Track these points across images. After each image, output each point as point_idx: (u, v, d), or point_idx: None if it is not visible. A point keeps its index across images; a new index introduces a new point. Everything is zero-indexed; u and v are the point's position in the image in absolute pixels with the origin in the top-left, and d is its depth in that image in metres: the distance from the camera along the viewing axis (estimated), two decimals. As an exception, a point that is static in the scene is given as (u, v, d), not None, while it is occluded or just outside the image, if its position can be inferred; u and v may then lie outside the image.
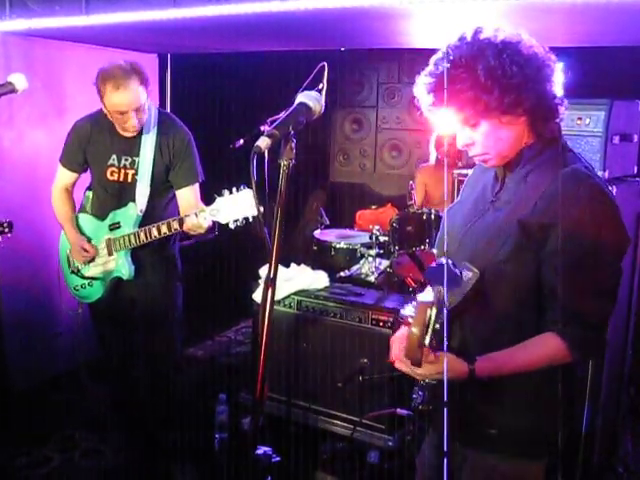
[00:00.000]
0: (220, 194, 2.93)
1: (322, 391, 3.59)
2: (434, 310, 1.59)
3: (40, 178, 3.95)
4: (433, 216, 3.90)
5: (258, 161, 1.66)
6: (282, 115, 1.79)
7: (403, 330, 2.03)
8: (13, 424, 3.74)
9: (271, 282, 1.74)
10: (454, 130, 1.81)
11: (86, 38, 4.24)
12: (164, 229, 3.14)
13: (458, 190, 3.32)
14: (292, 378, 3.62)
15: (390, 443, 3.41)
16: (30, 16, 3.50)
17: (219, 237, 3.20)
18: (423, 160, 5.85)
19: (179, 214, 3.36)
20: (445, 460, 1.78)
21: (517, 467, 1.87)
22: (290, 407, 3.65)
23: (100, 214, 3.41)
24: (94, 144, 3.36)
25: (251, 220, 2.88)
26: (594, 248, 1.68)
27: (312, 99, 1.84)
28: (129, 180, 3.33)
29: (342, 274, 4.10)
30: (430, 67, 1.76)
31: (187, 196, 3.35)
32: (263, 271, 3.73)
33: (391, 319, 3.39)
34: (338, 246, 4.39)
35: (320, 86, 2.01)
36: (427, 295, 1.63)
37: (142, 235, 3.20)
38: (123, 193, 3.34)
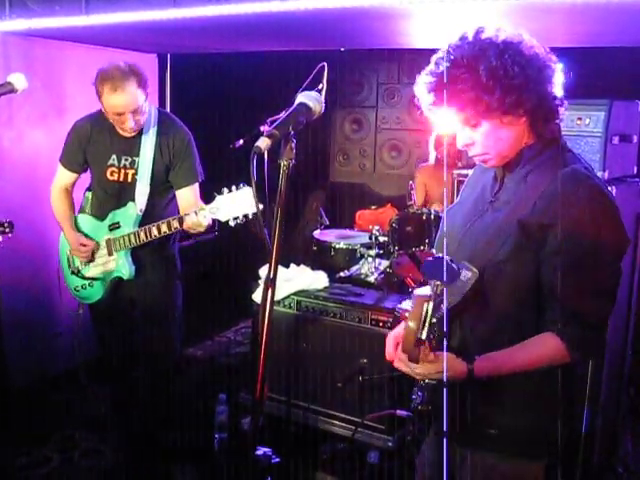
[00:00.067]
0: (220, 192, 2.93)
1: (322, 391, 3.59)
2: (431, 304, 1.59)
3: (40, 178, 3.94)
4: (433, 216, 3.90)
5: (258, 161, 1.66)
6: (282, 115, 1.79)
7: (400, 328, 2.04)
8: (13, 424, 3.74)
9: (271, 282, 1.74)
10: (454, 130, 1.81)
11: (86, 38, 4.24)
12: (164, 228, 3.14)
13: (458, 190, 3.32)
14: (292, 378, 3.62)
15: (390, 443, 3.41)
16: (30, 16, 3.50)
17: (219, 237, 3.20)
18: (423, 160, 5.85)
19: (179, 214, 3.36)
20: (445, 460, 1.78)
21: (517, 467, 1.87)
22: (290, 407, 3.65)
23: (100, 214, 3.41)
24: (94, 144, 3.36)
25: (251, 218, 2.88)
26: (593, 248, 1.68)
27: (312, 99, 1.84)
28: (129, 180, 3.33)
29: (342, 274, 4.09)
30: (431, 66, 1.76)
31: (187, 196, 3.35)
32: (263, 271, 3.73)
33: (391, 319, 3.39)
34: (338, 246, 4.38)
35: (320, 86, 2.01)
36: (424, 289, 1.64)
37: (142, 234, 3.20)
38: (123, 193, 3.34)
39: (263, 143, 1.68)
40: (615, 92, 3.20)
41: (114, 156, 3.33)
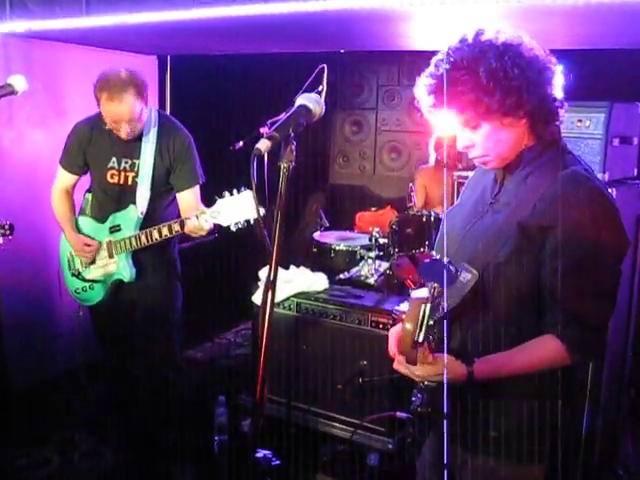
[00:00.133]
0: (221, 196, 2.92)
1: (322, 393, 3.59)
2: (428, 306, 1.59)
3: (40, 179, 3.95)
4: (433, 218, 3.90)
5: (258, 163, 1.66)
6: (282, 117, 1.79)
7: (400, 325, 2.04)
8: (13, 425, 3.74)
9: (271, 284, 1.74)
10: (454, 132, 1.81)
11: (86, 40, 4.24)
12: (165, 231, 3.14)
13: (458, 192, 3.32)
14: (292, 380, 3.62)
15: (390, 446, 3.40)
16: (30, 17, 3.51)
17: (219, 239, 3.20)
18: (423, 162, 5.85)
19: (180, 216, 3.36)
20: (445, 463, 1.78)
21: (517, 469, 1.87)
22: (290, 409, 3.64)
23: (100, 217, 3.41)
24: (94, 146, 3.36)
25: (252, 222, 2.87)
26: (593, 250, 1.67)
27: (312, 101, 1.84)
28: (129, 183, 3.33)
29: (342, 276, 4.09)
30: (431, 68, 1.76)
31: (188, 198, 3.35)
32: (263, 273, 3.73)
33: (391, 321, 3.39)
34: (338, 248, 4.38)
35: (320, 88, 2.01)
36: (421, 291, 1.64)
37: (143, 238, 3.20)
38: (123, 196, 3.34)
39: (263, 145, 1.67)
40: (615, 94, 3.20)
41: (114, 159, 3.33)
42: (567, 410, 1.84)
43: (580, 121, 2.96)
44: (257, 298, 3.75)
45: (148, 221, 3.29)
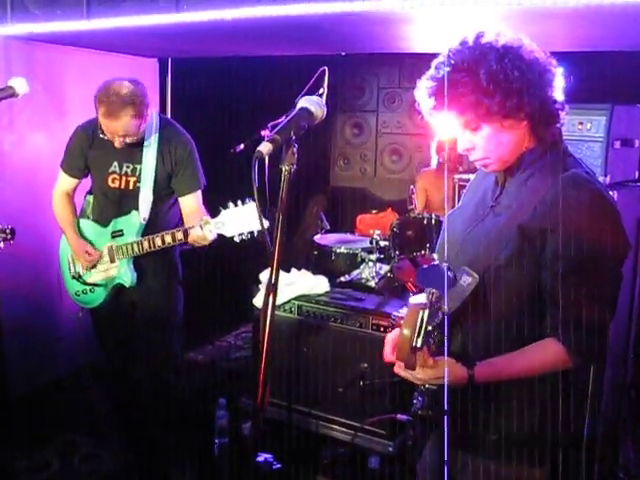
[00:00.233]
0: (225, 206, 2.92)
1: (323, 396, 3.59)
2: (426, 312, 1.58)
3: (41, 182, 3.95)
4: (434, 221, 3.89)
5: (259, 166, 1.66)
6: (283, 120, 1.79)
7: (397, 330, 2.03)
8: (13, 428, 3.74)
9: (272, 287, 1.73)
10: (455, 134, 1.81)
11: (87, 42, 4.24)
12: (168, 239, 3.14)
13: (459, 195, 3.31)
14: (292, 383, 3.61)
15: (391, 448, 3.40)
16: (31, 20, 3.51)
17: (220, 242, 3.20)
18: (424, 165, 5.85)
19: (181, 219, 3.36)
20: (446, 466, 1.77)
21: (518, 473, 1.86)
22: (291, 412, 3.64)
23: (102, 220, 3.40)
24: (95, 150, 3.36)
25: (256, 234, 2.88)
26: (594, 253, 1.67)
27: (314, 104, 1.84)
28: (130, 187, 3.33)
29: (342, 279, 4.08)
30: (431, 71, 1.76)
31: (190, 203, 3.34)
32: (263, 276, 3.72)
33: (391, 325, 3.38)
34: (338, 251, 4.37)
35: (321, 91, 2.02)
36: (420, 297, 1.63)
37: (145, 244, 3.21)
38: (124, 200, 3.34)
39: (265, 148, 1.67)
40: (616, 96, 3.20)
41: (115, 163, 3.33)
42: (568, 413, 1.83)
43: (581, 123, 2.95)
44: (258, 301, 3.75)
45: (150, 226, 3.29)
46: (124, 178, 3.33)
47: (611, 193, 1.98)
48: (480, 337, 1.82)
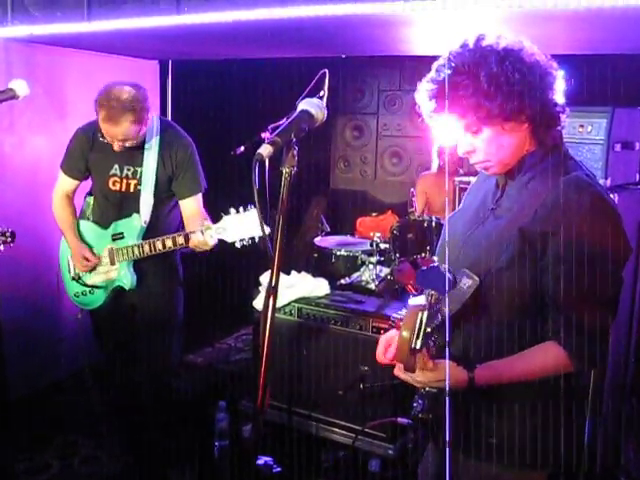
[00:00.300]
0: (226, 212, 2.93)
1: (323, 399, 3.59)
2: (425, 314, 1.58)
3: (41, 184, 3.94)
4: (434, 223, 3.90)
5: (260, 168, 1.66)
6: (284, 122, 1.79)
7: (392, 331, 2.03)
8: (13, 430, 3.73)
9: (273, 290, 1.73)
10: (455, 138, 1.81)
11: (88, 44, 4.24)
12: (169, 243, 3.14)
13: (459, 198, 3.31)
14: (293, 386, 3.61)
15: (391, 452, 3.40)
16: (32, 22, 3.51)
17: (220, 244, 3.20)
18: (425, 167, 5.86)
19: (182, 222, 3.36)
20: (447, 469, 1.77)
21: (519, 476, 1.86)
22: (291, 415, 3.64)
23: (102, 222, 3.40)
24: (96, 152, 3.35)
25: (257, 240, 2.88)
26: (595, 257, 1.66)
27: (314, 106, 1.83)
28: (131, 190, 3.32)
29: (343, 281, 4.08)
30: (432, 73, 1.76)
31: (191, 206, 3.34)
32: (264, 278, 3.72)
33: (391, 326, 3.38)
34: (339, 253, 4.38)
35: (321, 93, 2.02)
36: (419, 299, 1.63)
37: (146, 247, 3.20)
38: (125, 203, 3.33)
39: (265, 150, 1.67)
40: (617, 99, 3.20)
41: (116, 166, 3.32)
42: (569, 416, 1.83)
43: (582, 126, 2.95)
44: (258, 303, 3.74)
45: (151, 229, 3.29)
46: (125, 181, 3.33)
47: (612, 196, 1.98)
48: (481, 340, 1.81)
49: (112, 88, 3.06)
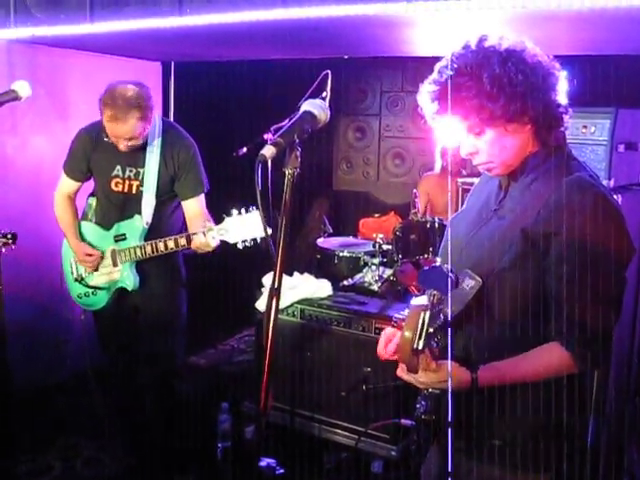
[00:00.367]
0: (228, 213, 2.93)
1: (326, 400, 3.58)
2: (427, 314, 1.58)
3: (44, 185, 3.94)
4: (437, 224, 3.89)
5: (262, 170, 1.66)
6: (287, 123, 1.79)
7: (392, 329, 2.03)
8: (16, 431, 3.73)
9: (275, 291, 1.73)
10: (458, 139, 1.80)
11: (90, 46, 4.24)
12: (171, 244, 3.14)
13: (463, 199, 3.31)
14: (295, 387, 3.61)
15: (394, 453, 3.39)
16: (34, 24, 3.51)
17: (223, 245, 3.20)
18: (427, 168, 5.85)
19: (185, 223, 3.36)
20: (449, 471, 1.77)
21: (523, 479, 1.85)
22: (293, 416, 3.63)
23: (104, 224, 3.40)
24: (98, 153, 3.36)
25: (259, 242, 2.88)
26: (598, 257, 1.66)
27: (317, 107, 1.83)
28: (133, 191, 3.33)
29: (345, 283, 4.08)
30: (434, 75, 1.76)
31: (193, 207, 3.34)
32: (266, 279, 3.72)
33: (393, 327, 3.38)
34: (341, 254, 4.37)
35: (324, 94, 2.01)
36: (421, 299, 1.63)
37: (148, 248, 3.21)
38: (127, 204, 3.33)
39: (268, 151, 1.67)
40: (621, 100, 3.19)
41: (118, 167, 3.33)
42: (572, 418, 1.83)
43: (585, 127, 2.95)
44: (261, 304, 3.74)
45: (153, 230, 3.29)
46: (127, 182, 3.33)
47: (615, 197, 1.97)
48: (484, 341, 1.81)
49: (116, 87, 3.07)
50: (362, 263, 4.23)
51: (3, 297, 3.32)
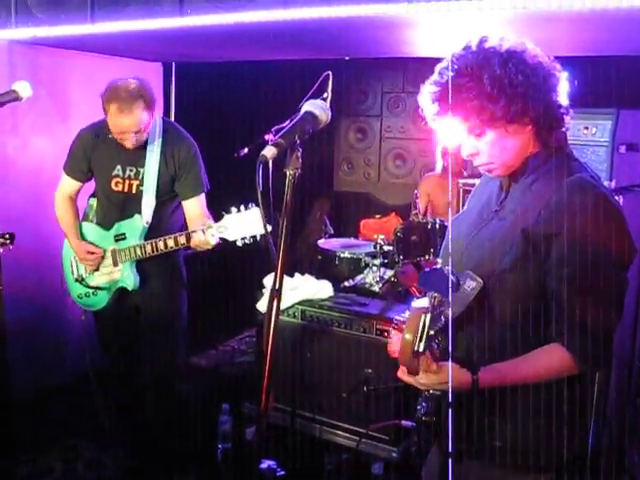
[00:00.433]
0: (228, 211, 2.92)
1: (326, 402, 3.58)
2: (428, 316, 1.57)
3: (44, 185, 3.95)
4: (438, 225, 3.88)
5: (263, 170, 1.65)
6: (288, 124, 1.79)
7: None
8: (17, 432, 3.73)
9: (277, 293, 1.72)
10: (458, 140, 1.80)
11: (91, 46, 4.25)
12: (171, 243, 3.14)
13: (464, 200, 3.30)
14: (296, 388, 3.60)
15: (395, 454, 3.39)
16: (35, 24, 3.51)
17: (224, 246, 3.20)
18: (428, 169, 5.85)
19: (185, 223, 3.35)
20: (450, 473, 1.76)
21: (523, 479, 1.85)
22: (294, 418, 3.63)
23: (104, 224, 3.40)
24: (99, 154, 3.36)
25: (258, 238, 2.88)
26: (599, 258, 1.66)
27: (318, 108, 1.83)
28: (134, 191, 3.33)
29: (346, 284, 4.07)
30: (435, 76, 1.76)
31: (193, 206, 3.34)
32: (267, 280, 3.72)
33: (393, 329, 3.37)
34: (342, 255, 4.37)
35: (325, 95, 2.01)
36: (422, 301, 1.62)
37: (148, 247, 3.20)
38: (128, 204, 3.33)
39: (269, 152, 1.67)
40: (622, 101, 3.19)
41: (119, 167, 3.33)
42: (573, 419, 1.82)
43: (586, 128, 2.95)
44: (261, 305, 3.74)
45: (153, 229, 3.29)
46: (127, 182, 3.33)
47: (616, 198, 1.97)
48: (485, 342, 1.81)
49: (117, 82, 3.10)
50: (363, 264, 4.22)
51: (3, 298, 3.32)
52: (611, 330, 1.73)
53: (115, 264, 3.34)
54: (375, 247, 4.11)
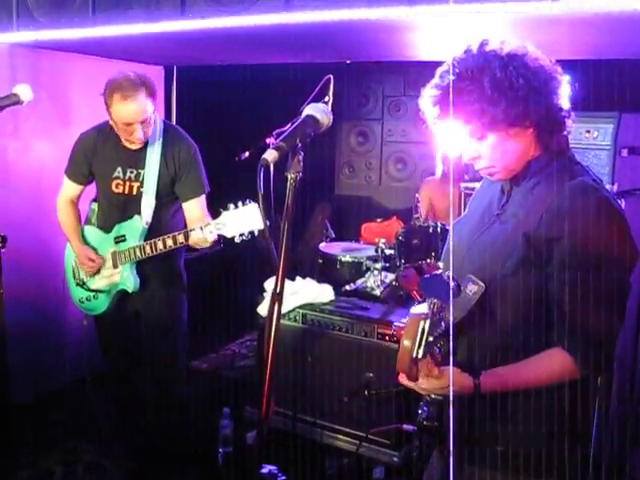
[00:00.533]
0: (226, 208, 2.92)
1: (327, 406, 3.57)
2: (427, 322, 1.56)
3: (45, 189, 3.95)
4: (439, 229, 3.88)
5: (265, 174, 1.65)
6: (289, 127, 1.78)
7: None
8: (16, 436, 3.72)
9: (277, 296, 1.72)
10: (460, 144, 1.80)
11: (92, 50, 4.25)
12: (170, 242, 3.13)
13: (465, 203, 3.30)
14: (297, 392, 3.60)
15: (396, 459, 3.38)
16: (37, 28, 3.51)
17: (225, 250, 3.20)
18: (430, 173, 5.84)
19: (185, 225, 3.35)
20: (451, 477, 1.76)
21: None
22: (295, 422, 3.62)
23: (105, 226, 3.40)
24: (99, 156, 3.36)
25: (257, 234, 2.87)
26: (601, 262, 1.65)
27: (320, 111, 1.83)
28: (134, 193, 3.33)
29: (347, 287, 4.07)
30: (436, 79, 1.76)
31: (194, 208, 3.34)
32: (268, 284, 3.71)
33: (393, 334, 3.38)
34: (343, 259, 4.36)
35: (326, 98, 2.01)
36: (421, 307, 1.62)
37: (147, 248, 3.20)
38: (128, 205, 3.33)
39: (270, 155, 1.66)
40: (624, 105, 3.19)
41: (119, 168, 3.33)
42: (575, 423, 1.82)
43: (588, 132, 2.95)
44: (262, 309, 3.74)
45: (153, 231, 3.28)
46: (127, 183, 3.33)
47: (619, 201, 1.96)
48: (486, 346, 1.80)
49: (117, 75, 3.10)
50: (364, 268, 4.22)
51: (4, 301, 3.32)
52: (613, 334, 1.72)
53: (115, 266, 3.34)
54: (376, 251, 4.10)
